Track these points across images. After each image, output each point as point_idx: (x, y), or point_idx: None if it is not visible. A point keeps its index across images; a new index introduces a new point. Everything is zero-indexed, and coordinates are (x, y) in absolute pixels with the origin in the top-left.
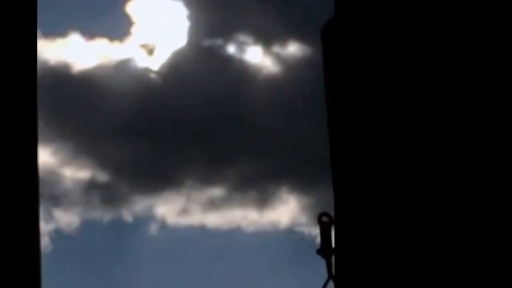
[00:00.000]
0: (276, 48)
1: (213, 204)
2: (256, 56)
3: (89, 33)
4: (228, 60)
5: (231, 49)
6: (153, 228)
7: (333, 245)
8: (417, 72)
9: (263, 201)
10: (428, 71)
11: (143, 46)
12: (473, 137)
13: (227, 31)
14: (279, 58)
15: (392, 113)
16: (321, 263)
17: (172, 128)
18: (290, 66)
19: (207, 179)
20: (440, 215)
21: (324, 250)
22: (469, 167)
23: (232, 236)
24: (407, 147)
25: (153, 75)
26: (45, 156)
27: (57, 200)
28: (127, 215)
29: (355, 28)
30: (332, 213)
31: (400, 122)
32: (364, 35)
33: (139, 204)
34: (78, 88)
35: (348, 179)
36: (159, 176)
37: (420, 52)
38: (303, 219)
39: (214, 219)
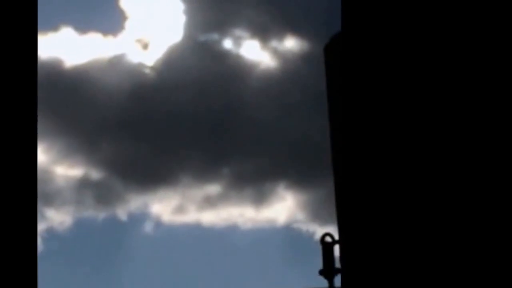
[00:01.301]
0: (273, 43)
1: (209, 202)
2: (253, 51)
3: (82, 28)
4: (225, 55)
5: (227, 44)
6: (148, 227)
7: (336, 265)
8: (415, 82)
9: (260, 198)
10: (426, 81)
11: (138, 41)
12: (472, 149)
13: (223, 26)
14: (276, 53)
15: (394, 128)
16: (319, 258)
17: (167, 124)
18: (287, 61)
19: (203, 177)
20: (444, 235)
21: (327, 271)
22: (471, 181)
23: (228, 234)
24: (411, 161)
25: (147, 71)
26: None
27: (49, 198)
28: (121, 214)
29: (358, 46)
30: (328, 211)
31: (404, 137)
32: (367, 53)
33: (134, 202)
34: (70, 84)
35: (352, 200)
36: (154, 173)
37: (419, 66)
38: (300, 216)
39: (210, 217)
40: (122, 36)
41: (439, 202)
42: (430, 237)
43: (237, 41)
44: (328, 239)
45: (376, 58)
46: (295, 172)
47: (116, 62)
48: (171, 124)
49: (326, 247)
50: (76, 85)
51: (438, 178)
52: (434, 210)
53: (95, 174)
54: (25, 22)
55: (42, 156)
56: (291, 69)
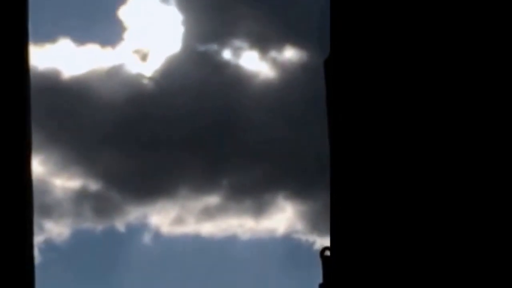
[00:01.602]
0: (272, 53)
1: (208, 213)
2: (252, 61)
3: (80, 39)
4: (224, 66)
5: (226, 54)
6: (147, 238)
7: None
8: (416, 97)
9: (259, 208)
10: (427, 97)
11: (136, 51)
12: (471, 158)
13: (222, 36)
14: (275, 63)
15: (393, 141)
16: (319, 269)
17: (166, 135)
18: (287, 71)
19: (202, 187)
20: (443, 250)
21: (326, 285)
22: (469, 196)
23: (228, 245)
24: (409, 177)
25: (146, 81)
26: (35, 165)
27: (47, 210)
28: (120, 225)
29: (357, 61)
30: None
31: (402, 150)
32: (365, 67)
33: (132, 214)
34: (68, 95)
35: (347, 214)
36: (152, 184)
37: (421, 80)
38: (300, 226)
39: (210, 228)
40: (120, 47)
41: (436, 217)
42: (427, 250)
43: (236, 51)
44: (328, 253)
45: (373, 74)
46: (294, 183)
47: (114, 73)
48: (170, 135)
49: (326, 261)
50: (74, 96)
51: (435, 193)
52: (431, 224)
53: (93, 186)
54: (17, 31)
55: (40, 167)
56: (291, 80)
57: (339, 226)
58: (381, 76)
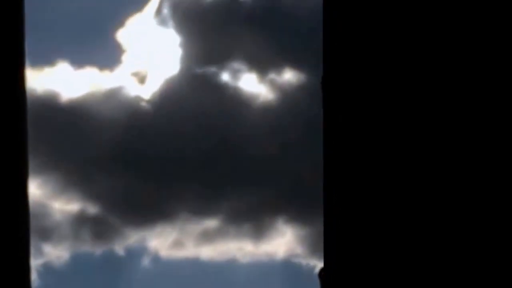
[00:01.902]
0: (271, 75)
1: (207, 236)
2: (251, 83)
3: (78, 62)
4: (223, 88)
5: (225, 76)
6: (146, 261)
7: None
8: (412, 121)
9: (259, 232)
10: (424, 120)
11: (134, 74)
12: (470, 165)
13: (221, 58)
14: (274, 85)
15: (390, 163)
16: None
17: (164, 158)
18: (286, 94)
19: (201, 211)
20: (440, 275)
21: None
22: (467, 212)
23: (227, 269)
24: (406, 197)
25: (144, 104)
26: (33, 188)
27: (46, 233)
28: (119, 248)
29: (354, 80)
30: None
31: (399, 172)
32: (362, 86)
33: (131, 237)
34: (66, 118)
35: (340, 239)
36: (151, 207)
37: (417, 102)
38: (299, 250)
39: (209, 252)
40: (118, 69)
41: (428, 243)
42: (422, 274)
43: (235, 73)
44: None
45: (371, 95)
46: (294, 206)
47: (113, 96)
48: (169, 158)
49: (324, 282)
50: (72, 119)
51: (428, 223)
52: (426, 250)
53: (92, 209)
54: (14, 55)
55: (38, 190)
56: (290, 102)
57: (332, 246)
58: (375, 96)
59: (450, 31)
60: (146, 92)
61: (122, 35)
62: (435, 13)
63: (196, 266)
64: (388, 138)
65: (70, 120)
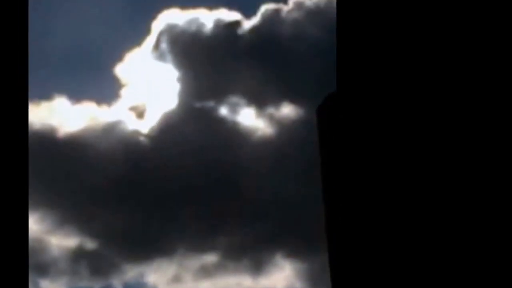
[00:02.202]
0: (269, 109)
1: (206, 271)
2: (249, 117)
3: (76, 97)
4: (221, 122)
5: (223, 110)
6: None
7: None
8: (410, 149)
9: (258, 267)
10: (423, 145)
11: (132, 108)
12: (471, 168)
13: (219, 93)
14: (272, 120)
15: (390, 191)
16: None
17: (163, 193)
18: (284, 128)
19: (199, 246)
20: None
21: None
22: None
23: None
24: (407, 225)
25: (142, 138)
26: (30, 224)
27: (43, 269)
28: (117, 284)
29: (352, 107)
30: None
31: (399, 199)
32: (362, 114)
33: (130, 272)
34: (64, 153)
35: (345, 262)
36: (149, 243)
37: (416, 130)
38: (298, 285)
39: (207, 286)
40: (116, 104)
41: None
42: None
43: (233, 108)
44: None
45: (371, 126)
46: (293, 241)
47: (111, 130)
48: (167, 193)
49: None
50: (70, 153)
51: (433, 248)
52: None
53: (90, 244)
54: (16, 91)
55: (36, 226)
56: (288, 136)
57: (341, 276)
58: (371, 124)
59: (451, 52)
60: (144, 126)
61: (121, 70)
62: (440, 48)
63: None
64: (387, 167)
65: (68, 154)
